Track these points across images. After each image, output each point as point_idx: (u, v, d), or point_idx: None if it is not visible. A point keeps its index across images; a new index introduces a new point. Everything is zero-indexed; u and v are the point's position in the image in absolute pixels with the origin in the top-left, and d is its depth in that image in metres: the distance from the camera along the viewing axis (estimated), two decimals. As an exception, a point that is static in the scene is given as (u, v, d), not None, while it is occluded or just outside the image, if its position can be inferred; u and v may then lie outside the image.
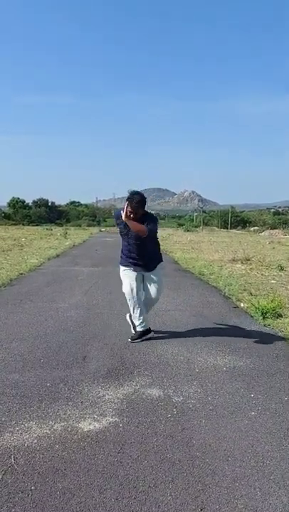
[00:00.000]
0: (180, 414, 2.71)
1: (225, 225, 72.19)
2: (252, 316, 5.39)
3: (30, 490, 1.95)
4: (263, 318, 5.17)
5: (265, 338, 4.43)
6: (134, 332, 4.30)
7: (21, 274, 9.02)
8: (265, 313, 5.24)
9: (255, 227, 59.23)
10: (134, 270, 4.24)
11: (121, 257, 4.37)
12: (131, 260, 4.24)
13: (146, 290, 4.36)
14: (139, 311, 4.26)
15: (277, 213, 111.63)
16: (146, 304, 4.40)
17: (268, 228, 52.18)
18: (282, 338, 4.44)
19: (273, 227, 54.20)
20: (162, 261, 4.45)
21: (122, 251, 4.36)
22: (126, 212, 3.96)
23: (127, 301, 4.32)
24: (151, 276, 4.30)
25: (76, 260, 12.23)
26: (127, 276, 4.26)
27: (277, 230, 44.22)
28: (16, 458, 2.20)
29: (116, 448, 2.31)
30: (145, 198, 4.12)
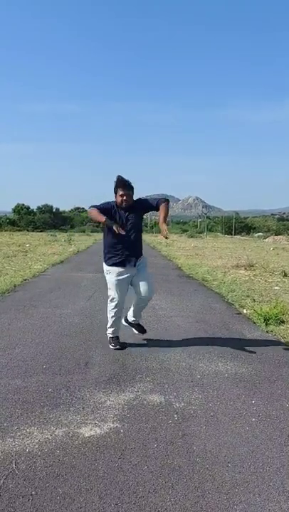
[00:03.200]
0: (181, 420, 2.72)
1: (229, 231, 72.15)
2: (254, 323, 5.39)
3: (31, 495, 1.97)
4: (266, 324, 5.17)
5: (267, 345, 4.43)
6: (136, 330, 4.41)
7: (25, 279, 9.08)
8: (268, 320, 5.24)
9: (260, 233, 59.13)
10: (124, 268, 4.00)
11: (106, 254, 4.11)
12: (121, 256, 3.99)
13: (137, 289, 4.11)
14: (119, 322, 4.22)
15: (281, 219, 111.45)
16: (139, 306, 4.26)
17: (272, 234, 52.09)
18: (285, 345, 4.44)
19: (278, 233, 54.11)
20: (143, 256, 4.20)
21: (106, 248, 4.11)
22: (120, 201, 3.93)
23: (112, 308, 4.14)
24: (140, 273, 4.09)
25: (80, 266, 12.28)
26: (120, 280, 4.03)
27: (281, 236, 44.16)
28: (17, 463, 2.22)
29: (117, 453, 2.33)
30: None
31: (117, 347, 4.17)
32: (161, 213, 3.99)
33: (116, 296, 4.08)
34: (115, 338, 4.24)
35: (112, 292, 4.10)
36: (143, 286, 4.07)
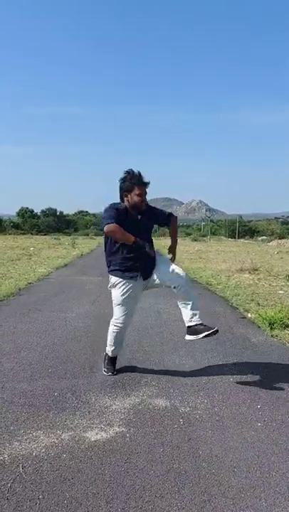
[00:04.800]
0: (186, 424, 2.73)
1: (233, 234, 72.09)
2: (259, 327, 5.38)
3: (38, 499, 1.98)
4: (271, 328, 5.17)
5: (273, 349, 4.42)
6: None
7: (29, 283, 9.12)
8: (273, 324, 5.23)
9: (263, 237, 59.03)
10: (135, 282, 3.42)
11: (114, 265, 3.45)
12: (135, 269, 3.40)
13: (166, 278, 3.43)
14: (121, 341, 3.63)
15: (285, 223, 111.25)
16: (182, 295, 3.57)
17: (276, 238, 51.99)
18: (290, 349, 4.43)
19: (281, 237, 54.01)
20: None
21: (111, 256, 3.47)
22: (138, 201, 3.29)
23: (118, 330, 3.52)
24: (158, 264, 3.47)
25: (84, 270, 12.31)
26: (130, 297, 3.43)
27: (285, 240, 44.06)
28: (24, 467, 2.23)
29: (123, 458, 2.33)
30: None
31: (110, 373, 3.57)
32: (173, 235, 3.73)
33: (122, 315, 3.47)
34: (111, 360, 3.63)
35: (119, 310, 3.48)
36: (171, 273, 3.41)
